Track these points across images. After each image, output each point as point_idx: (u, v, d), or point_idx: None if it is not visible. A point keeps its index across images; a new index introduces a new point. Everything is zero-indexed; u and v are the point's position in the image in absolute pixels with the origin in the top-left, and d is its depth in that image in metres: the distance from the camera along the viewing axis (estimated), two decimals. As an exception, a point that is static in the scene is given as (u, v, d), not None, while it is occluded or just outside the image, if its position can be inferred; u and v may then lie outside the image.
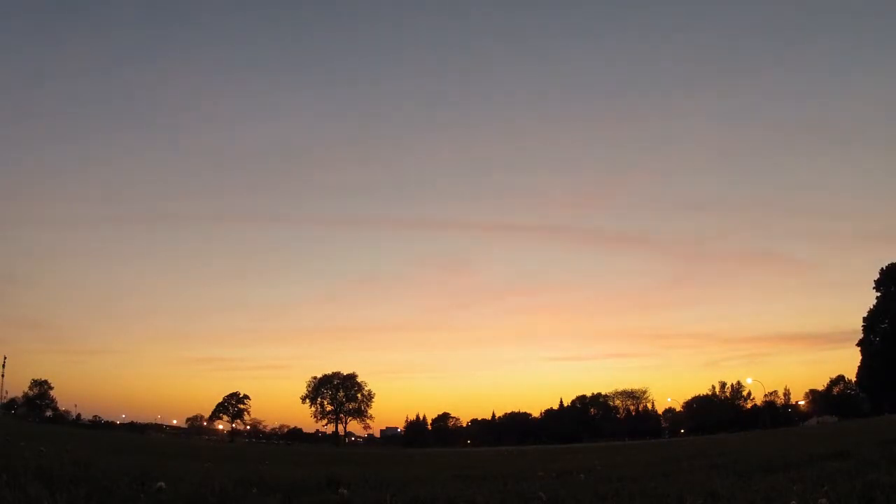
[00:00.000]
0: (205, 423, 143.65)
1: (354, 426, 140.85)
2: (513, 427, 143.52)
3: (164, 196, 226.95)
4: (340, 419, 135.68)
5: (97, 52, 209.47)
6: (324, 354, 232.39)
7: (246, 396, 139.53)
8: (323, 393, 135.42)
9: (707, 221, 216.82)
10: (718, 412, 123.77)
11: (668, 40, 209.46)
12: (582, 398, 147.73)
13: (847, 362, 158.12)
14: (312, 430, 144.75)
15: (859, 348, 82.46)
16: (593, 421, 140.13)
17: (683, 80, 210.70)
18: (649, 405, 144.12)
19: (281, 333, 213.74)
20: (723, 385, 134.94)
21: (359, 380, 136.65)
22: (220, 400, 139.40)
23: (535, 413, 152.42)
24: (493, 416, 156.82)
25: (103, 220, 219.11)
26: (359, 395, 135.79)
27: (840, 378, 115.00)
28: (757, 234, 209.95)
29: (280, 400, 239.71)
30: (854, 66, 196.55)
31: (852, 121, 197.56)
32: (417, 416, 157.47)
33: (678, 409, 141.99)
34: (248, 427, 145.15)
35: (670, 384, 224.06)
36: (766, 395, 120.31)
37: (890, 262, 79.69)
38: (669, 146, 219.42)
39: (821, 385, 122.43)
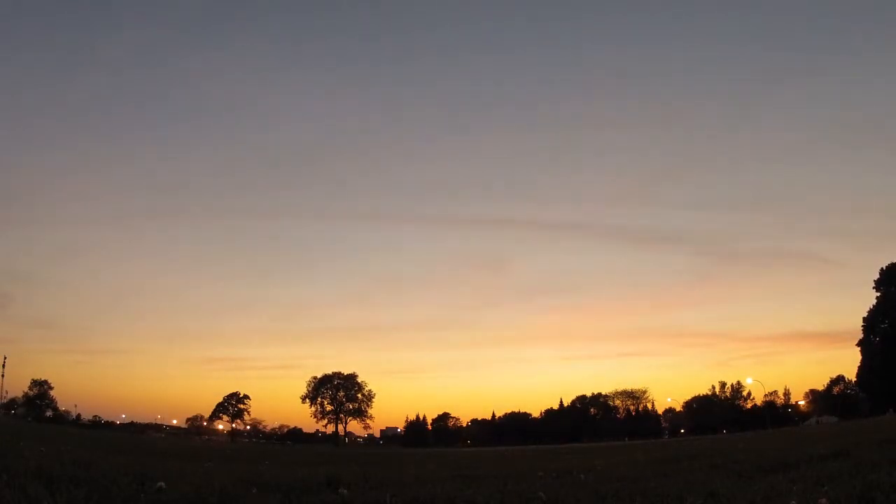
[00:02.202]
0: (205, 423, 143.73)
1: (354, 426, 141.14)
2: (513, 427, 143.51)
3: (165, 195, 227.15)
4: (340, 419, 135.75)
5: (111, 50, 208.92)
6: (325, 354, 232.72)
7: (246, 396, 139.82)
8: (323, 393, 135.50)
9: (735, 221, 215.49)
10: (718, 412, 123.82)
11: (699, 46, 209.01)
12: (582, 398, 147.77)
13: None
14: (312, 430, 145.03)
15: (859, 348, 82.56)
16: (593, 421, 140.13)
17: (713, 84, 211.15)
18: (649, 405, 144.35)
19: (281, 334, 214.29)
20: (723, 385, 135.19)
21: (359, 380, 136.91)
22: (220, 400, 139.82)
23: (536, 413, 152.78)
24: (493, 416, 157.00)
25: (105, 220, 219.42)
26: (359, 395, 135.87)
27: (840, 378, 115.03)
28: (785, 234, 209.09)
29: (279, 400, 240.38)
30: (881, 69, 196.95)
31: (880, 121, 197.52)
32: (417, 416, 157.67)
33: (678, 409, 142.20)
34: (248, 427, 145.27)
35: (683, 383, 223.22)
36: (766, 395, 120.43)
37: (890, 262, 79.74)
38: (700, 147, 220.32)
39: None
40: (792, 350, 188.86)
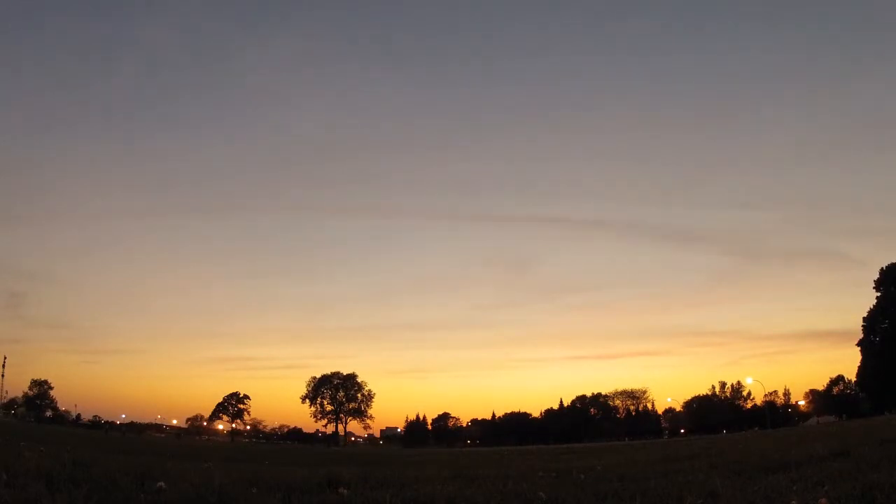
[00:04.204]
0: (205, 423, 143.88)
1: (354, 426, 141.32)
2: (513, 427, 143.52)
3: (175, 193, 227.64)
4: (340, 419, 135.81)
5: (122, 52, 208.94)
6: (328, 354, 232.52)
7: (246, 396, 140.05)
8: (323, 393, 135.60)
9: (761, 220, 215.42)
10: (718, 412, 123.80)
11: (727, 49, 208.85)
12: (582, 398, 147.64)
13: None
14: (312, 430, 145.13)
15: (859, 348, 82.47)
16: (593, 421, 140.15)
17: (738, 86, 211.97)
18: (649, 405, 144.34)
19: (283, 334, 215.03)
20: (723, 385, 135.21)
21: (358, 380, 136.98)
22: (220, 400, 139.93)
23: (535, 413, 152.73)
24: (493, 416, 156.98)
25: (117, 218, 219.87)
26: (359, 395, 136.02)
27: (840, 378, 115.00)
28: (811, 233, 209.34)
29: (279, 400, 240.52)
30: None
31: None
32: (417, 416, 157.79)
33: (678, 409, 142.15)
34: (248, 427, 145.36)
35: (693, 383, 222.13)
36: (766, 395, 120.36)
37: (890, 263, 79.65)
38: (726, 149, 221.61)
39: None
40: (808, 349, 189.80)
